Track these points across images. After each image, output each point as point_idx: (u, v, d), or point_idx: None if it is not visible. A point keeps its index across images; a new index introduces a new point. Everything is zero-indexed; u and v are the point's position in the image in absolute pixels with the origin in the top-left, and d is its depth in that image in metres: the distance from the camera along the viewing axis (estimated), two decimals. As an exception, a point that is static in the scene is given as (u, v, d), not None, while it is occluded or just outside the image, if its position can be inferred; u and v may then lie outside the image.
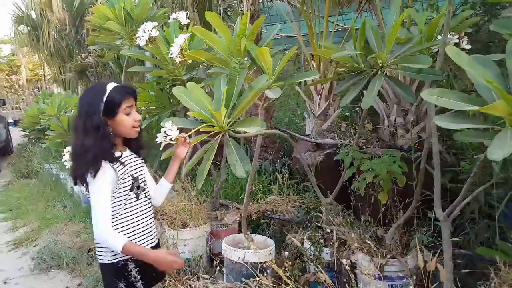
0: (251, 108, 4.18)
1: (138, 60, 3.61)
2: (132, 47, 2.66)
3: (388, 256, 1.92)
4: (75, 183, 1.35)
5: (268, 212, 2.62)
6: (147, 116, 2.51)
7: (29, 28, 7.76)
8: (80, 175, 1.31)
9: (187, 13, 2.40)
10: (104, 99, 1.32)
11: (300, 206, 2.62)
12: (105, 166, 1.31)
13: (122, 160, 1.37)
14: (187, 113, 1.71)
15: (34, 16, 7.64)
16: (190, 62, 2.13)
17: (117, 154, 1.37)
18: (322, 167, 3.10)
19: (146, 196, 1.48)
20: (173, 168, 1.56)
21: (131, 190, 1.41)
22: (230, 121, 1.54)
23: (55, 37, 7.81)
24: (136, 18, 2.55)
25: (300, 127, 4.35)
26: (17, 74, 22.38)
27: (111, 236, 1.31)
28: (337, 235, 2.08)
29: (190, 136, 1.49)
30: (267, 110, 4.32)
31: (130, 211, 1.41)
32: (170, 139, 1.40)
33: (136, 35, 2.06)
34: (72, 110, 4.57)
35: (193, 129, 1.54)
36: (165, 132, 1.41)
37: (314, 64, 3.33)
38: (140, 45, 2.06)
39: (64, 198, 4.49)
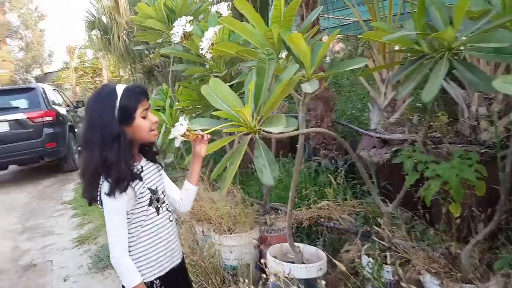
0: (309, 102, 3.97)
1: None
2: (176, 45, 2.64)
3: (464, 280, 1.61)
4: (90, 204, 1.31)
5: (322, 219, 2.41)
6: (190, 116, 2.46)
7: (101, 32, 8.40)
8: (91, 195, 1.26)
9: (229, 4, 2.29)
10: (118, 104, 1.24)
11: (358, 214, 2.36)
12: (122, 194, 1.22)
13: (141, 174, 1.30)
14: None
15: (105, 20, 8.24)
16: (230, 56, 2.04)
17: (137, 168, 1.30)
18: (390, 166, 2.79)
19: (167, 209, 1.41)
20: (195, 169, 1.47)
21: (150, 204, 1.33)
22: (260, 120, 1.40)
23: (125, 39, 8.34)
24: (178, 14, 2.52)
25: (364, 121, 4.01)
26: (100, 76, 24.65)
27: (125, 268, 1.27)
28: (401, 251, 1.82)
29: (210, 133, 1.38)
30: (327, 102, 4.06)
31: (151, 227, 1.34)
32: (181, 135, 1.30)
33: (171, 32, 2.01)
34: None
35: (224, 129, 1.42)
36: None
37: (377, 50, 3.01)
38: (175, 41, 2.00)
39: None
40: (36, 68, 27.44)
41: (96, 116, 1.25)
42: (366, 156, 2.99)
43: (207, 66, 2.28)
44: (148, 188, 1.33)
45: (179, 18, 2.00)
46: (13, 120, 6.38)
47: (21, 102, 6.75)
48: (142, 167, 1.33)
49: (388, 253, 1.87)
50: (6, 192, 6.33)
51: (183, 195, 1.48)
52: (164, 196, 1.41)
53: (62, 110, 7.55)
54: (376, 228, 1.95)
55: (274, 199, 2.97)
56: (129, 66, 9.29)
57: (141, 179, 1.29)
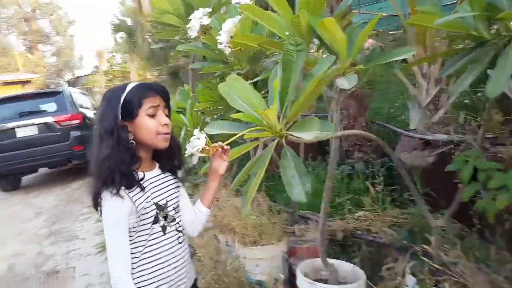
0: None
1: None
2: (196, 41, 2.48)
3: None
4: (95, 209, 1.14)
5: (358, 232, 2.17)
6: (209, 119, 2.30)
7: (126, 35, 8.46)
8: (93, 195, 1.10)
9: (252, -6, 2.10)
10: (122, 98, 1.11)
11: (401, 226, 2.11)
12: (117, 200, 1.07)
13: (143, 184, 1.13)
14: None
15: (129, 23, 8.30)
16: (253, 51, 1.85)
17: (139, 175, 1.13)
18: (433, 171, 2.52)
19: (177, 229, 1.21)
20: (210, 188, 1.27)
21: (155, 222, 1.15)
22: (287, 123, 1.20)
23: (150, 41, 8.36)
24: (196, 8, 2.35)
25: (402, 120, 3.72)
26: (128, 79, 25.17)
27: None
28: (454, 272, 1.56)
29: (230, 145, 1.19)
30: (361, 100, 3.79)
31: (155, 249, 1.15)
32: (198, 151, 1.12)
33: (187, 26, 1.84)
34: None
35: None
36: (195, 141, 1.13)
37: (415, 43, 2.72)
38: (191, 37, 1.83)
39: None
40: (67, 72, 28.42)
41: (102, 108, 1.17)
42: (407, 159, 2.73)
43: (230, 63, 2.11)
44: (154, 203, 1.15)
45: (195, 11, 1.83)
46: (42, 123, 6.49)
47: (49, 106, 6.86)
48: (144, 175, 1.15)
49: (439, 275, 1.62)
50: (36, 195, 6.46)
51: (193, 215, 1.29)
52: (176, 212, 1.23)
53: (89, 113, 7.62)
54: (424, 245, 1.70)
55: (304, 206, 2.75)
56: (154, 68, 9.31)
57: (141, 188, 1.11)
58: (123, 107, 1.11)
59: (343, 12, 1.43)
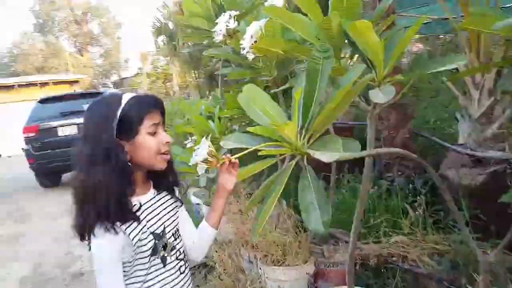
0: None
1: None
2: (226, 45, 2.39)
3: None
4: (81, 239, 1.01)
5: (394, 258, 1.97)
6: (236, 126, 2.19)
7: (167, 38, 8.62)
8: (80, 227, 0.97)
9: (285, -3, 1.97)
10: (119, 113, 0.98)
11: (443, 255, 1.88)
12: (109, 236, 0.94)
13: (139, 214, 1.01)
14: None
15: (171, 26, 8.44)
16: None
17: (134, 205, 1.00)
18: (484, 192, 2.27)
19: (177, 258, 1.10)
20: (217, 206, 1.14)
21: (153, 254, 1.03)
22: (309, 139, 1.06)
23: (189, 44, 8.46)
24: (227, 11, 2.26)
25: (450, 133, 3.42)
26: (170, 81, 25.83)
27: None
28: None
29: (241, 158, 1.06)
30: (403, 109, 3.53)
31: (155, 283, 1.04)
32: (203, 161, 1.00)
33: (213, 29, 1.75)
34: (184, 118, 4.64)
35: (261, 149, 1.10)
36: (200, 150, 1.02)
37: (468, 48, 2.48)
38: (216, 41, 1.74)
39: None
40: (114, 74, 29.76)
41: (91, 124, 1.01)
42: (454, 177, 2.48)
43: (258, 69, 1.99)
44: (151, 233, 1.03)
45: (222, 14, 1.73)
46: (81, 123, 6.72)
47: (90, 106, 7.10)
48: (140, 203, 1.03)
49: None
50: (74, 193, 6.67)
51: (197, 236, 1.17)
52: (176, 239, 1.11)
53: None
54: (469, 282, 1.48)
55: (334, 224, 2.56)
56: (193, 71, 9.42)
57: (136, 220, 0.99)
58: (119, 122, 0.98)
59: (381, 14, 1.27)
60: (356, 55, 1.34)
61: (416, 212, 2.18)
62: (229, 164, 1.08)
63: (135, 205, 1.01)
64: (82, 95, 7.70)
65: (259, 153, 1.01)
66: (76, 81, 18.32)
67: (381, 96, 1.06)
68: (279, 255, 2.07)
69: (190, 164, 1.04)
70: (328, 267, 2.20)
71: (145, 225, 1.02)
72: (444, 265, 1.81)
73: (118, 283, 0.98)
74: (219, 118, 2.53)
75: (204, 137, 1.05)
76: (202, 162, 1.00)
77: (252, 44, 1.40)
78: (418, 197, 2.33)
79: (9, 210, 6.10)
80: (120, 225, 0.96)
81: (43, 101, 7.01)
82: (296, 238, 2.13)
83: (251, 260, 2.22)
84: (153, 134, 1.02)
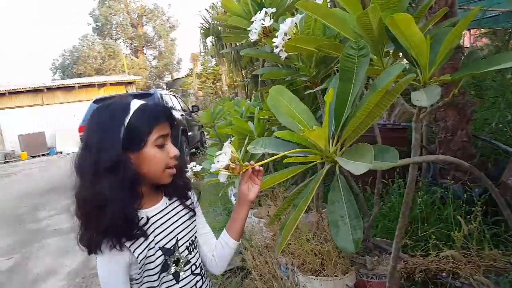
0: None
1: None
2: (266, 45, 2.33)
3: None
4: (89, 253, 0.94)
5: (443, 274, 1.80)
6: (275, 128, 2.13)
7: (215, 38, 8.73)
8: (87, 244, 0.92)
9: (328, -7, 1.88)
10: (126, 122, 0.93)
11: (502, 274, 1.69)
12: (114, 254, 0.90)
13: (146, 228, 0.95)
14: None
15: (219, 27, 8.54)
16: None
17: (141, 218, 0.94)
18: (553, 203, 2.01)
19: (193, 272, 1.03)
20: (238, 217, 1.06)
21: (164, 270, 0.97)
22: (342, 146, 0.97)
23: (236, 44, 8.51)
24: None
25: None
26: (220, 81, 26.34)
27: None
28: None
29: (267, 170, 1.00)
30: (462, 109, 3.25)
31: None
32: (225, 168, 0.94)
33: (248, 28, 1.70)
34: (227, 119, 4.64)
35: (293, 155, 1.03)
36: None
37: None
38: (251, 40, 1.68)
39: (223, 203, 4.58)
40: (167, 75, 30.93)
41: (94, 132, 0.94)
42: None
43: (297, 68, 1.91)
44: (160, 249, 0.97)
45: (258, 12, 1.68)
46: None
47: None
48: (148, 218, 0.97)
49: None
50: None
51: (217, 248, 1.09)
52: (191, 252, 1.04)
53: (177, 114, 8.04)
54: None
55: (380, 233, 2.42)
56: (240, 71, 9.47)
57: (143, 235, 0.93)
58: (126, 133, 0.92)
59: (425, 8, 1.14)
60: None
61: (472, 225, 1.97)
62: (253, 171, 1.01)
63: (141, 218, 0.95)
64: (134, 96, 7.99)
65: (284, 161, 0.94)
66: (131, 82, 19.23)
67: (424, 98, 0.95)
68: (317, 264, 1.97)
69: (211, 171, 0.99)
70: (370, 278, 2.07)
71: (152, 240, 0.96)
72: (502, 285, 1.62)
73: None
74: (259, 120, 2.49)
75: (227, 142, 1.00)
76: (224, 169, 0.95)
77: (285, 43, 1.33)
78: (475, 207, 2.12)
79: (68, 203, 6.52)
80: (125, 242, 0.90)
81: (97, 101, 7.40)
82: (336, 247, 2.02)
83: (287, 267, 2.15)
84: (161, 146, 0.97)
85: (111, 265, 0.91)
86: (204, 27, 8.73)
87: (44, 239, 4.77)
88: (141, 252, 0.93)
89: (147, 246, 0.94)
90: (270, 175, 1.03)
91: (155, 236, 0.97)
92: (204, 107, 15.66)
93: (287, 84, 2.11)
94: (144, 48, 30.11)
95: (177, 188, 1.05)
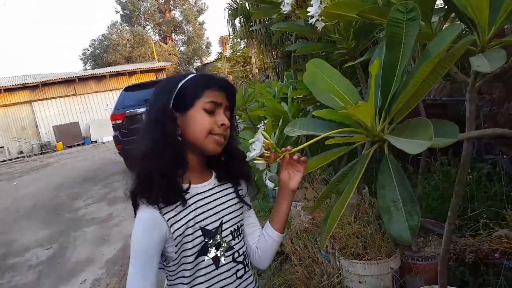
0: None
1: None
2: (299, 19, 2.22)
3: None
4: (133, 203, 0.94)
5: (496, 255, 1.68)
6: (310, 108, 2.03)
7: (243, 19, 8.56)
8: (132, 196, 0.92)
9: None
10: (180, 84, 0.95)
11: None
12: (151, 215, 0.87)
13: (189, 203, 0.91)
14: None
15: (248, 6, 8.35)
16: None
17: (186, 189, 0.92)
18: None
19: (235, 260, 0.97)
20: (281, 208, 1.00)
21: (202, 253, 0.92)
22: (390, 122, 0.88)
23: (266, 21, 8.32)
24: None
25: None
26: (250, 64, 26.18)
27: None
28: None
29: (302, 151, 0.93)
30: (508, 82, 3.01)
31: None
32: (260, 156, 0.89)
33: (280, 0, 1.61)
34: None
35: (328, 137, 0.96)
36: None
37: None
38: (284, 12, 1.59)
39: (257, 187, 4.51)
40: (196, 60, 31.03)
41: (153, 94, 1.00)
42: None
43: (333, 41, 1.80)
44: (200, 229, 0.92)
45: (291, -19, 1.57)
46: None
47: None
48: (190, 187, 0.93)
49: None
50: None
51: (261, 241, 1.03)
52: (235, 238, 0.98)
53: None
54: None
55: (424, 213, 2.30)
56: (270, 52, 9.29)
57: (183, 203, 0.90)
58: (177, 94, 0.94)
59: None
60: (452, 15, 1.10)
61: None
62: (292, 158, 0.95)
63: (186, 189, 0.92)
64: (157, 83, 8.05)
65: (326, 142, 0.86)
66: (161, 69, 19.47)
67: (486, 63, 0.84)
68: (360, 247, 1.90)
69: (247, 160, 0.94)
70: (416, 260, 1.98)
71: (192, 219, 0.91)
72: None
73: (150, 274, 0.86)
74: (293, 99, 2.40)
75: (260, 126, 0.93)
76: (259, 157, 0.89)
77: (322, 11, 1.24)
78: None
79: (104, 192, 6.76)
80: (163, 212, 0.88)
81: (127, 89, 7.51)
82: (379, 229, 1.94)
83: (328, 252, 2.09)
84: (210, 112, 0.94)
85: (146, 224, 0.87)
86: (232, 8, 8.59)
87: (81, 228, 4.94)
88: (178, 228, 0.89)
89: (185, 224, 0.90)
90: (314, 158, 0.96)
91: (196, 215, 0.92)
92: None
93: (324, 59, 2.00)
94: (172, 33, 30.26)
95: (230, 172, 1.02)
